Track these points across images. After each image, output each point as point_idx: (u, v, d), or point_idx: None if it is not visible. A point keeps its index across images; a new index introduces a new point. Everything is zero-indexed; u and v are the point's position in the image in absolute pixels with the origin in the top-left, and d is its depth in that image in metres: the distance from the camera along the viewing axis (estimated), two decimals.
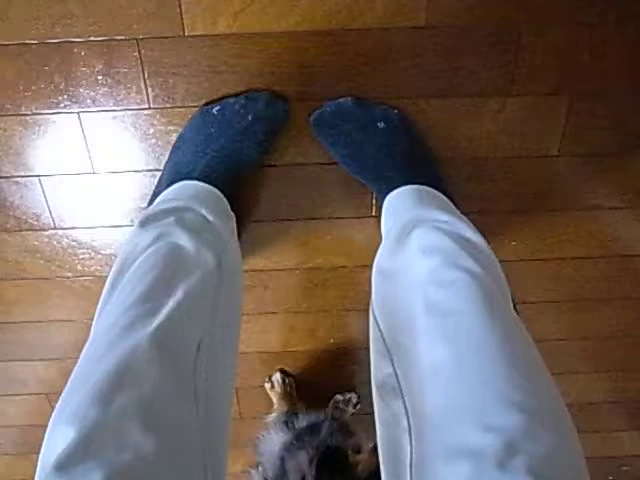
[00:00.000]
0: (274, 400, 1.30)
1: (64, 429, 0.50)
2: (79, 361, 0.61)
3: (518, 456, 0.47)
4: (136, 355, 0.57)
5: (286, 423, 1.15)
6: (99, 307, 0.71)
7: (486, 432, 0.49)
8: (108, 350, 0.58)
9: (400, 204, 0.87)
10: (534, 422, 0.50)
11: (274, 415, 1.25)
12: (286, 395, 1.29)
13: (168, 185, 0.89)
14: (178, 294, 0.66)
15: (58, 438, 0.49)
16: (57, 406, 0.55)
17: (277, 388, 1.29)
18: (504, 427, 0.49)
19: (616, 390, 1.39)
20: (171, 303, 0.64)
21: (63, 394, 0.57)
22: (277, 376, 1.28)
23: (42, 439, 0.52)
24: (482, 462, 0.48)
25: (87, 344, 0.64)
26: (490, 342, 0.58)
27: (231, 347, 0.78)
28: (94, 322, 0.69)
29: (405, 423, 0.60)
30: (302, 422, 1.14)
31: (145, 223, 0.78)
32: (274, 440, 1.12)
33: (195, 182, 0.87)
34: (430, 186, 0.89)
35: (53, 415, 0.54)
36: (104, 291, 0.72)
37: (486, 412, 0.52)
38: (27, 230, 1.06)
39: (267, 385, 1.31)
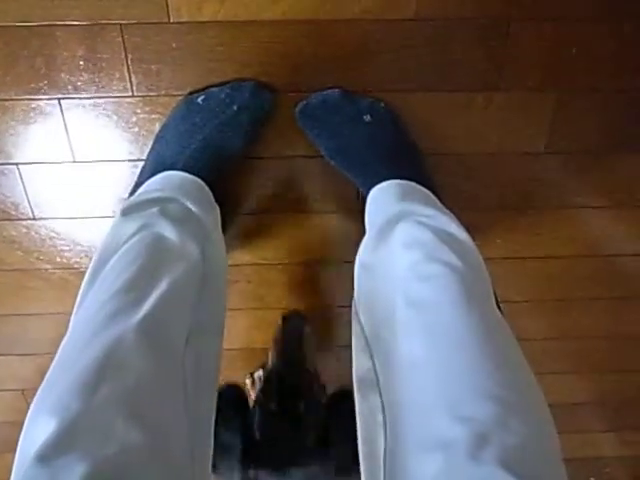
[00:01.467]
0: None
1: (45, 420, 0.48)
2: (59, 351, 0.59)
3: (489, 447, 0.46)
4: (121, 345, 0.55)
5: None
6: (80, 296, 0.69)
7: (457, 423, 0.49)
8: (91, 339, 0.56)
9: (384, 198, 0.86)
10: (506, 413, 0.49)
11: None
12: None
13: (151, 175, 0.88)
14: (162, 285, 0.65)
15: (39, 429, 0.47)
16: (37, 396, 0.53)
17: (258, 385, 1.26)
18: (475, 418, 0.49)
19: (598, 391, 1.39)
20: (156, 293, 0.63)
21: (43, 384, 0.55)
22: (259, 373, 1.26)
23: (17, 438, 0.50)
24: (453, 453, 0.47)
25: (68, 333, 0.62)
26: (466, 335, 0.57)
27: (217, 340, 0.77)
28: (74, 312, 0.67)
29: (380, 417, 0.60)
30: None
31: (127, 213, 0.76)
32: None
33: (179, 172, 0.86)
34: (415, 181, 0.88)
35: (32, 405, 0.52)
36: (85, 280, 0.70)
37: (458, 403, 0.51)
38: (4, 220, 1.03)
39: (248, 381, 1.28)
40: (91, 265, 0.71)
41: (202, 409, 0.64)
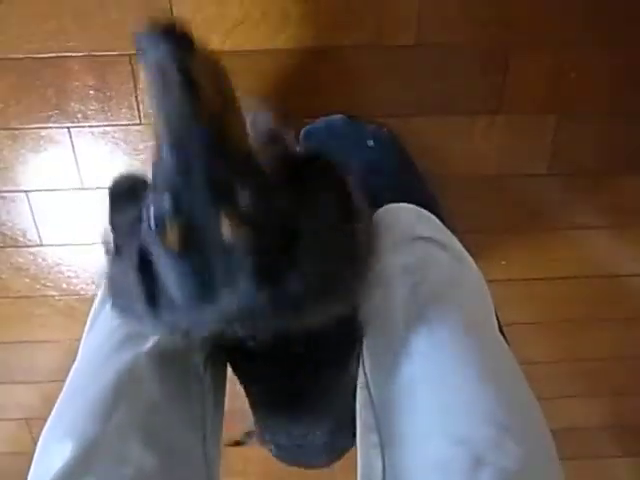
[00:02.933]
0: None
1: (60, 445, 0.48)
2: (70, 375, 0.59)
3: (485, 469, 0.46)
4: (135, 369, 0.55)
5: None
6: (89, 323, 0.69)
7: (454, 445, 0.48)
8: (104, 363, 0.56)
9: (385, 223, 0.86)
10: (503, 434, 0.49)
11: None
12: None
13: None
14: None
15: (55, 454, 0.47)
16: (49, 422, 0.53)
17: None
18: (472, 439, 0.48)
19: (611, 415, 1.36)
20: None
21: (55, 410, 0.55)
22: None
23: (21, 468, 0.50)
24: (449, 475, 0.47)
25: (78, 358, 0.62)
26: (464, 357, 0.57)
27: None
28: (85, 335, 0.67)
29: (376, 439, 0.59)
30: None
31: None
32: None
33: None
34: (419, 204, 0.89)
35: (45, 432, 0.52)
36: (94, 307, 0.70)
37: (456, 425, 0.50)
38: (12, 246, 1.04)
39: None
40: (100, 292, 0.72)
41: (215, 430, 0.63)
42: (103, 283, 0.72)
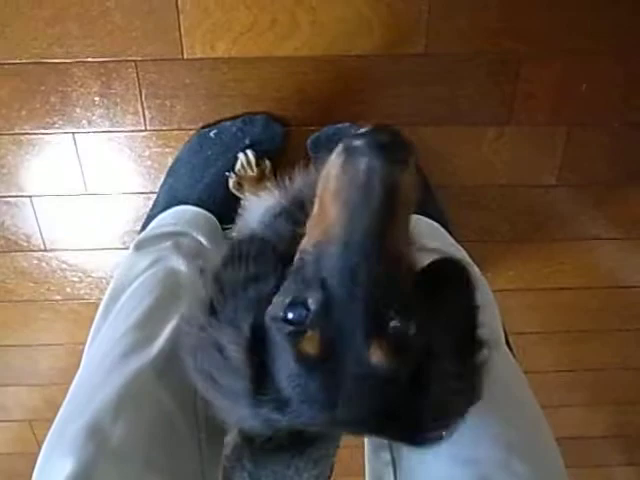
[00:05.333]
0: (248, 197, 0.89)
1: (61, 462, 0.47)
2: (72, 388, 0.59)
3: None
4: (135, 385, 0.54)
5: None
6: (92, 332, 0.68)
7: (462, 466, 0.48)
8: (105, 378, 0.55)
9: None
10: (509, 453, 0.49)
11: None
12: (262, 180, 0.89)
13: (164, 208, 0.88)
14: (175, 320, 0.64)
15: (55, 470, 0.47)
16: (50, 435, 0.53)
17: (250, 172, 0.88)
18: (479, 460, 0.48)
19: (616, 424, 1.36)
20: (169, 329, 0.62)
21: (56, 424, 0.54)
22: (249, 155, 0.88)
23: (24, 468, 0.49)
24: None
25: (80, 370, 0.62)
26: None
27: None
28: (87, 347, 0.67)
29: (389, 457, 0.58)
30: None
31: (141, 247, 0.77)
32: (261, 201, 0.69)
33: (192, 207, 0.86)
34: (425, 215, 0.88)
35: (46, 444, 0.52)
36: (98, 315, 0.70)
37: (463, 446, 0.50)
38: (16, 251, 1.04)
39: (233, 179, 0.88)
40: (104, 299, 0.71)
41: (215, 448, 0.63)
42: (107, 290, 0.72)
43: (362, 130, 0.35)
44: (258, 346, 0.38)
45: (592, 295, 1.12)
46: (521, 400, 0.58)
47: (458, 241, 0.85)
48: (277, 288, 0.40)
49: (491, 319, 0.70)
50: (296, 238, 0.43)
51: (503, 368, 0.61)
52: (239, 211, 0.75)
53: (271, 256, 0.44)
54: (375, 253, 0.35)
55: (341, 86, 0.89)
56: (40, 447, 0.51)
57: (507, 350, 0.67)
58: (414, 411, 0.37)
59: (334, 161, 0.37)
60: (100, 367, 0.58)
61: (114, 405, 0.52)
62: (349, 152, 0.35)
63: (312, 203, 0.42)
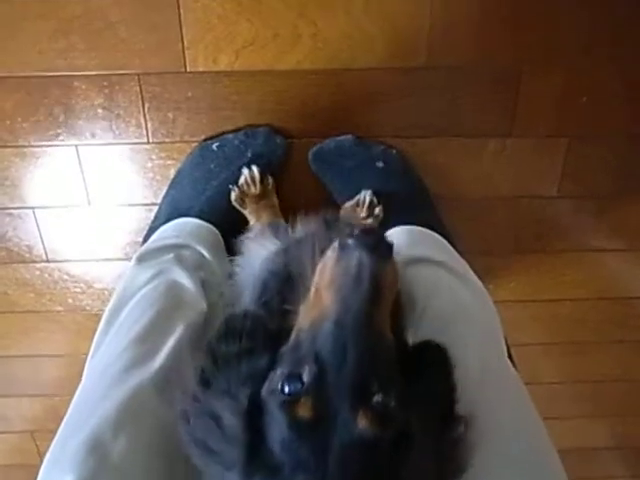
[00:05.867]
0: (249, 212, 0.91)
1: (61, 477, 0.47)
2: (74, 402, 0.59)
3: None
4: (136, 400, 0.54)
5: (274, 233, 0.76)
6: (94, 345, 0.68)
7: None
8: (106, 393, 0.56)
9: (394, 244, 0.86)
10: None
11: (256, 227, 0.88)
12: (265, 197, 0.91)
13: (166, 220, 0.88)
14: (177, 334, 0.64)
15: None
16: (51, 450, 0.53)
17: (253, 189, 0.89)
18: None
19: (618, 435, 1.36)
20: (170, 343, 0.62)
21: (57, 439, 0.54)
22: (254, 171, 0.88)
23: None
24: None
25: (82, 384, 0.62)
26: (475, 396, 0.57)
27: None
28: (88, 360, 0.67)
29: None
30: (297, 232, 0.73)
31: (142, 260, 0.77)
32: (257, 253, 0.73)
33: (194, 219, 0.86)
34: (427, 227, 0.88)
35: (47, 459, 0.52)
36: (99, 328, 0.70)
37: None
38: (18, 262, 1.04)
39: (235, 193, 0.88)
40: (106, 312, 0.71)
41: None
42: (109, 304, 0.73)
43: (354, 232, 0.43)
44: (254, 416, 0.41)
45: (594, 306, 1.11)
46: (529, 419, 0.59)
47: (460, 253, 0.85)
48: (271, 363, 0.45)
49: (493, 332, 0.70)
50: (285, 315, 0.50)
51: (509, 388, 0.62)
52: (237, 259, 0.76)
53: (263, 333, 0.48)
54: (363, 331, 0.41)
55: (343, 99, 0.89)
56: (42, 459, 0.52)
57: (509, 363, 0.67)
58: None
59: (330, 256, 0.44)
60: (101, 381, 0.58)
61: (115, 420, 0.52)
62: (343, 249, 0.43)
63: (300, 279, 0.52)
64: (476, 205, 0.99)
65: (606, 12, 0.85)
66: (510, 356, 0.69)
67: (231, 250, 0.87)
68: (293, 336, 0.45)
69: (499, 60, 0.87)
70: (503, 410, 0.57)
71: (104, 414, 0.53)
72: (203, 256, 0.81)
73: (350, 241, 0.42)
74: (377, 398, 0.39)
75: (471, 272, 0.79)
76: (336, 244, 0.44)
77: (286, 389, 0.40)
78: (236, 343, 0.48)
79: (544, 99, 0.90)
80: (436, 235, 0.88)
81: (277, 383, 0.41)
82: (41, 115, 0.90)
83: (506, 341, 0.71)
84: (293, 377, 0.40)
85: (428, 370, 0.49)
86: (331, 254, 0.45)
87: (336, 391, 0.39)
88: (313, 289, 0.47)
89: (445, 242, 0.87)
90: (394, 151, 0.91)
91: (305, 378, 0.40)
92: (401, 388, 0.43)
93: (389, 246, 0.44)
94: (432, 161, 0.94)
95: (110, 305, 0.72)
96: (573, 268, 1.07)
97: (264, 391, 0.42)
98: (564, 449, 1.29)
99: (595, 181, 0.97)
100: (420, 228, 0.87)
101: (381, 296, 0.42)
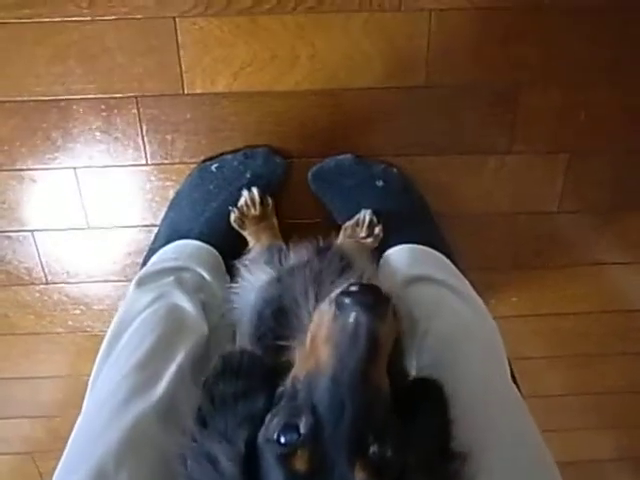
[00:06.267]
0: (248, 234, 0.90)
1: None
2: (75, 431, 0.58)
3: None
4: (138, 430, 0.54)
5: (271, 258, 0.75)
6: (95, 370, 0.68)
7: None
8: (108, 423, 0.55)
9: (395, 263, 0.86)
10: None
11: (256, 249, 0.87)
12: (264, 218, 0.90)
13: (166, 242, 0.88)
14: (178, 359, 0.64)
15: None
16: None
17: (253, 210, 0.88)
18: None
19: (624, 447, 1.35)
20: (171, 369, 0.62)
21: (60, 470, 0.54)
22: (254, 193, 0.88)
23: None
24: None
25: (83, 414, 0.61)
26: (477, 418, 0.56)
27: None
28: (89, 387, 0.66)
29: None
30: (290, 260, 0.73)
31: (142, 283, 0.76)
32: (253, 282, 0.73)
33: (193, 241, 0.86)
34: (427, 245, 0.88)
35: None
36: (100, 353, 0.69)
37: None
38: (18, 285, 1.03)
39: (235, 214, 0.87)
40: (106, 338, 0.71)
41: None
42: (109, 329, 0.72)
43: (352, 289, 0.43)
44: (251, 461, 0.42)
45: (596, 320, 1.11)
46: (526, 440, 0.58)
47: (462, 269, 0.85)
48: (267, 404, 0.45)
49: (495, 351, 0.70)
50: (280, 351, 0.52)
51: (512, 408, 0.61)
52: (233, 286, 0.76)
53: (260, 372, 0.49)
54: (359, 387, 0.41)
55: (342, 119, 0.89)
56: None
57: (512, 384, 0.66)
58: None
59: (326, 311, 0.45)
60: (103, 410, 0.58)
61: (117, 452, 0.52)
62: (340, 306, 0.43)
63: (293, 311, 0.55)
64: (477, 221, 0.98)
65: (603, 29, 0.85)
66: (512, 373, 0.69)
67: (231, 271, 0.87)
68: (289, 384, 0.46)
69: (497, 78, 0.87)
70: (505, 430, 0.57)
71: (106, 446, 0.52)
72: (203, 278, 0.81)
73: (347, 299, 0.42)
74: (373, 449, 0.39)
75: (472, 290, 0.79)
76: (333, 296, 0.44)
77: (282, 439, 0.40)
78: (233, 383, 0.48)
79: (543, 115, 0.90)
80: (437, 253, 0.87)
81: (273, 433, 0.41)
82: (39, 139, 0.89)
83: (508, 360, 0.70)
84: (290, 427, 0.41)
85: (424, 406, 0.49)
86: (328, 308, 0.44)
87: (332, 444, 0.39)
88: (309, 337, 0.47)
89: (446, 260, 0.87)
90: (394, 170, 0.91)
91: (302, 429, 0.40)
92: (397, 433, 0.43)
93: (385, 302, 0.44)
94: (433, 179, 0.94)
95: (110, 330, 0.71)
96: (574, 282, 1.06)
97: (260, 437, 0.43)
98: (568, 461, 1.29)
99: (595, 196, 0.97)
100: (421, 247, 0.87)
101: (378, 354, 0.42)
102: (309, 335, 0.47)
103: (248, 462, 0.41)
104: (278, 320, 0.59)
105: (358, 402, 0.40)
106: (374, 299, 0.42)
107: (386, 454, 0.40)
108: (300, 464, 0.39)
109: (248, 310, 0.69)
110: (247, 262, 0.79)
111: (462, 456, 0.47)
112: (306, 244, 0.73)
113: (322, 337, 0.44)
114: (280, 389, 0.46)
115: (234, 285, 0.76)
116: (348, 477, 0.38)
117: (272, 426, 0.42)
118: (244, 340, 0.69)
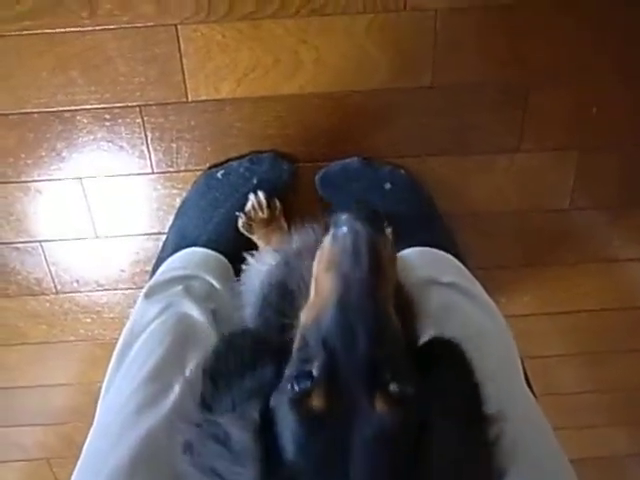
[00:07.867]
0: (257, 237, 0.89)
1: None
2: (87, 446, 0.58)
3: None
4: (149, 444, 0.54)
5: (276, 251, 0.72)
6: (105, 382, 0.68)
7: None
8: (119, 439, 0.55)
9: (404, 266, 0.85)
10: None
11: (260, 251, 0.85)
12: (273, 220, 0.89)
13: (174, 251, 0.87)
14: (187, 369, 0.64)
15: None
16: None
17: (260, 213, 0.87)
18: None
19: (637, 443, 1.34)
20: (181, 380, 0.62)
21: None
22: (260, 197, 0.87)
23: None
24: None
25: (95, 426, 0.61)
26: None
27: None
28: (101, 399, 0.66)
29: None
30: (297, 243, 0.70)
31: (151, 294, 0.76)
32: (259, 267, 0.72)
33: (201, 249, 0.85)
34: (437, 247, 0.87)
35: None
36: (111, 365, 0.69)
37: None
38: (28, 295, 1.03)
39: (242, 220, 0.87)
40: (116, 349, 0.71)
41: None
42: (119, 340, 0.72)
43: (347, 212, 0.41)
44: (266, 431, 0.39)
45: (609, 316, 1.10)
46: (549, 448, 0.58)
47: (472, 268, 0.84)
48: (277, 375, 0.42)
49: (508, 353, 0.69)
50: (284, 329, 0.47)
51: (533, 411, 0.61)
52: (241, 277, 0.74)
53: (264, 348, 0.46)
54: (370, 307, 0.39)
55: (348, 121, 0.88)
56: None
57: (526, 387, 0.66)
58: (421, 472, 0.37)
59: (326, 240, 0.43)
60: (114, 424, 0.58)
61: (129, 468, 0.52)
62: (337, 224, 0.41)
63: (299, 292, 0.50)
64: (488, 221, 0.97)
65: (608, 25, 0.83)
66: (525, 373, 0.68)
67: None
68: (298, 337, 0.43)
69: (505, 76, 0.86)
70: (524, 435, 0.56)
71: (118, 462, 0.52)
72: (212, 286, 0.80)
73: (343, 217, 0.41)
74: (393, 387, 0.37)
75: (483, 291, 0.78)
76: (330, 223, 0.43)
77: (296, 388, 0.38)
78: (238, 359, 0.45)
79: (551, 113, 0.88)
80: (447, 255, 0.87)
81: (286, 386, 0.39)
82: (43, 151, 0.89)
83: (521, 359, 0.70)
84: (303, 375, 0.38)
85: (441, 366, 0.46)
86: (327, 238, 0.43)
87: (349, 376, 0.37)
88: (313, 283, 0.44)
89: (457, 262, 0.86)
90: (402, 171, 0.90)
91: (315, 372, 0.38)
92: (416, 380, 0.40)
93: (381, 217, 0.43)
94: (442, 179, 0.93)
95: (120, 341, 0.71)
96: (587, 279, 1.05)
97: (273, 400, 0.40)
98: (585, 458, 1.28)
99: (606, 192, 0.96)
100: (431, 249, 0.86)
101: (381, 267, 0.40)
102: (313, 281, 0.44)
103: (263, 432, 0.38)
104: (284, 300, 0.56)
105: (369, 323, 0.38)
106: (368, 213, 0.41)
107: (406, 391, 0.37)
108: (317, 402, 0.37)
109: (253, 296, 0.67)
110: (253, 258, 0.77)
111: (496, 420, 0.43)
112: (313, 225, 0.68)
113: (324, 266, 0.42)
114: (289, 355, 0.43)
115: (241, 276, 0.74)
116: (368, 411, 0.36)
117: (284, 381, 0.40)
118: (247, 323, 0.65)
